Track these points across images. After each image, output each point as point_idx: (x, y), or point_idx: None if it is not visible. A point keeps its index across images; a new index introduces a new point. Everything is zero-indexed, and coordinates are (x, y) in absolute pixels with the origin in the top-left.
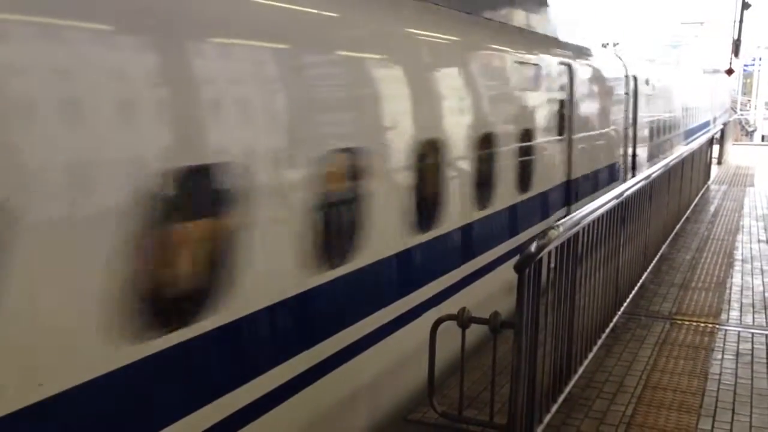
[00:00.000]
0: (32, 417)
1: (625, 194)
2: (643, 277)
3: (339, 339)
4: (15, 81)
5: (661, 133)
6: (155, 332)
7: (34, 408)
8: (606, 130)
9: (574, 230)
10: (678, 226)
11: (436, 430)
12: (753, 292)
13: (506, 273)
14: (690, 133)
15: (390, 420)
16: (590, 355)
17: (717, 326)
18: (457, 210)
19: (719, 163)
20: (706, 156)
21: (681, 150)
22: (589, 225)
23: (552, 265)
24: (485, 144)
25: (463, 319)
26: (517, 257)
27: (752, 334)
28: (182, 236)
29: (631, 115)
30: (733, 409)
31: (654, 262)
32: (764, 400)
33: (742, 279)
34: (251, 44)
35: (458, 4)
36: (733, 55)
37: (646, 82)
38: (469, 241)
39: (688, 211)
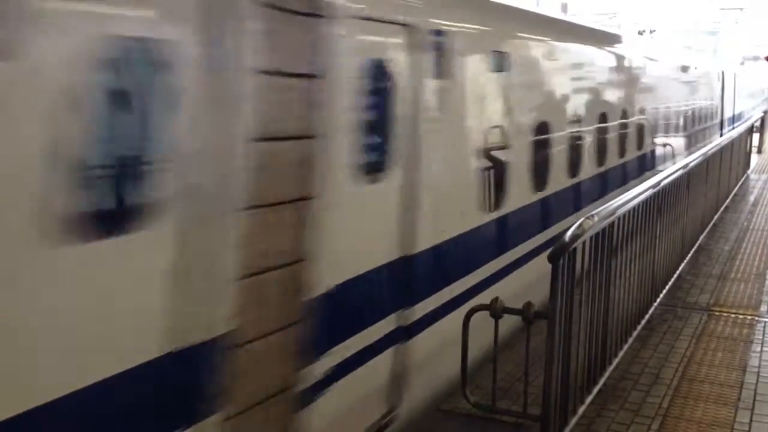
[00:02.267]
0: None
1: (662, 184)
2: (680, 268)
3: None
4: None
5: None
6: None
7: None
8: None
9: (609, 220)
10: (716, 216)
11: (469, 421)
12: None
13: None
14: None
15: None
16: (625, 347)
17: (756, 318)
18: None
19: (759, 151)
20: (746, 145)
21: None
22: (624, 215)
23: (587, 255)
24: None
25: (496, 310)
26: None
27: None
28: None
29: None
30: None
31: (691, 252)
32: None
33: None
34: None
35: None
36: None
37: None
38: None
39: (727, 201)
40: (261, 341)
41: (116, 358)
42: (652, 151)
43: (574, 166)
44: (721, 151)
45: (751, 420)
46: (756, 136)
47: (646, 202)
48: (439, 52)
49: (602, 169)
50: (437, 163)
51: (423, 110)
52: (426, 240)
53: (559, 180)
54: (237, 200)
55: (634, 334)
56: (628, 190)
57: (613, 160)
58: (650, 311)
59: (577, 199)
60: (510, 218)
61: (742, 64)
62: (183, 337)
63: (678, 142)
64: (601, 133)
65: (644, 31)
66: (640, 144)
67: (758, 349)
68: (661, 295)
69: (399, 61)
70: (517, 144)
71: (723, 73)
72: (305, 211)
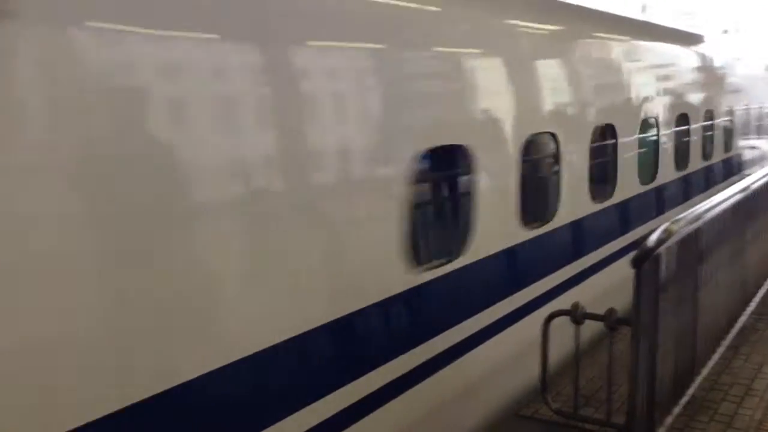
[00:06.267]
0: None
1: (752, 187)
2: None
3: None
4: None
5: None
6: None
7: None
8: None
9: (695, 225)
10: None
11: (549, 428)
12: None
13: None
14: None
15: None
16: (715, 356)
17: None
18: None
19: None
20: None
21: None
22: (711, 219)
23: (672, 260)
24: None
25: (577, 315)
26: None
27: None
28: None
29: None
30: None
31: None
32: None
33: None
34: None
35: None
36: None
37: None
38: None
39: None
40: None
41: None
42: None
43: None
44: None
45: None
46: None
47: (734, 206)
48: None
49: None
50: None
51: None
52: None
53: None
54: None
55: (724, 343)
56: None
57: None
58: (742, 319)
59: None
60: None
61: None
62: None
63: None
64: None
65: (727, 31)
66: None
67: None
68: (754, 303)
69: None
70: None
71: None
72: None
